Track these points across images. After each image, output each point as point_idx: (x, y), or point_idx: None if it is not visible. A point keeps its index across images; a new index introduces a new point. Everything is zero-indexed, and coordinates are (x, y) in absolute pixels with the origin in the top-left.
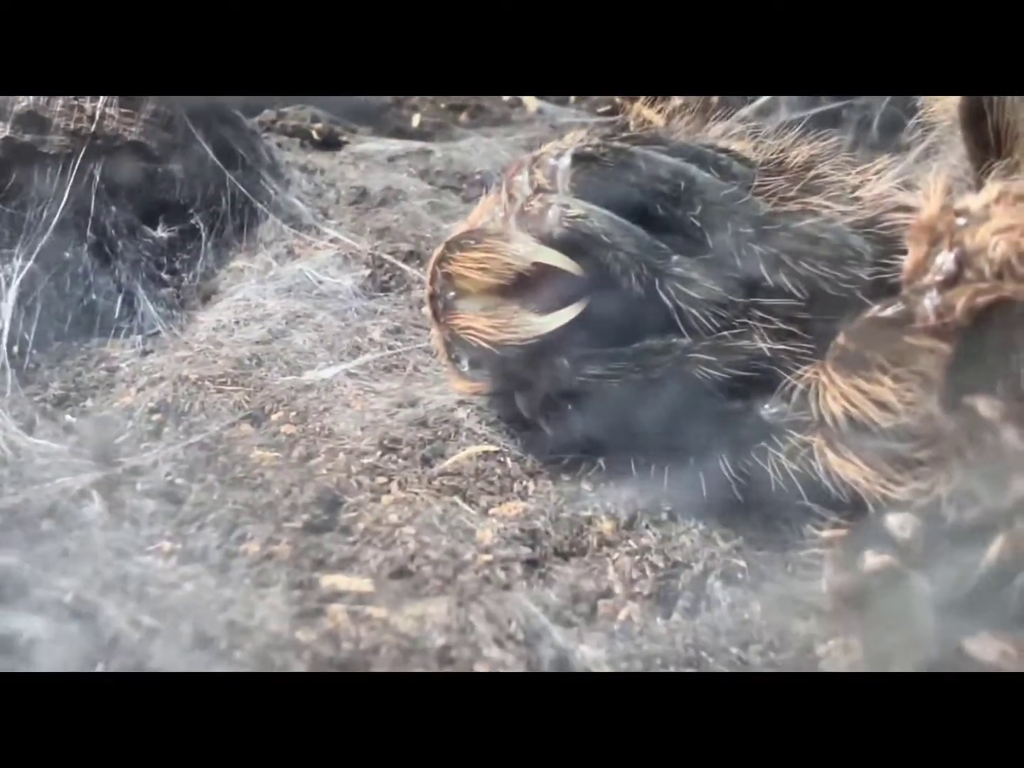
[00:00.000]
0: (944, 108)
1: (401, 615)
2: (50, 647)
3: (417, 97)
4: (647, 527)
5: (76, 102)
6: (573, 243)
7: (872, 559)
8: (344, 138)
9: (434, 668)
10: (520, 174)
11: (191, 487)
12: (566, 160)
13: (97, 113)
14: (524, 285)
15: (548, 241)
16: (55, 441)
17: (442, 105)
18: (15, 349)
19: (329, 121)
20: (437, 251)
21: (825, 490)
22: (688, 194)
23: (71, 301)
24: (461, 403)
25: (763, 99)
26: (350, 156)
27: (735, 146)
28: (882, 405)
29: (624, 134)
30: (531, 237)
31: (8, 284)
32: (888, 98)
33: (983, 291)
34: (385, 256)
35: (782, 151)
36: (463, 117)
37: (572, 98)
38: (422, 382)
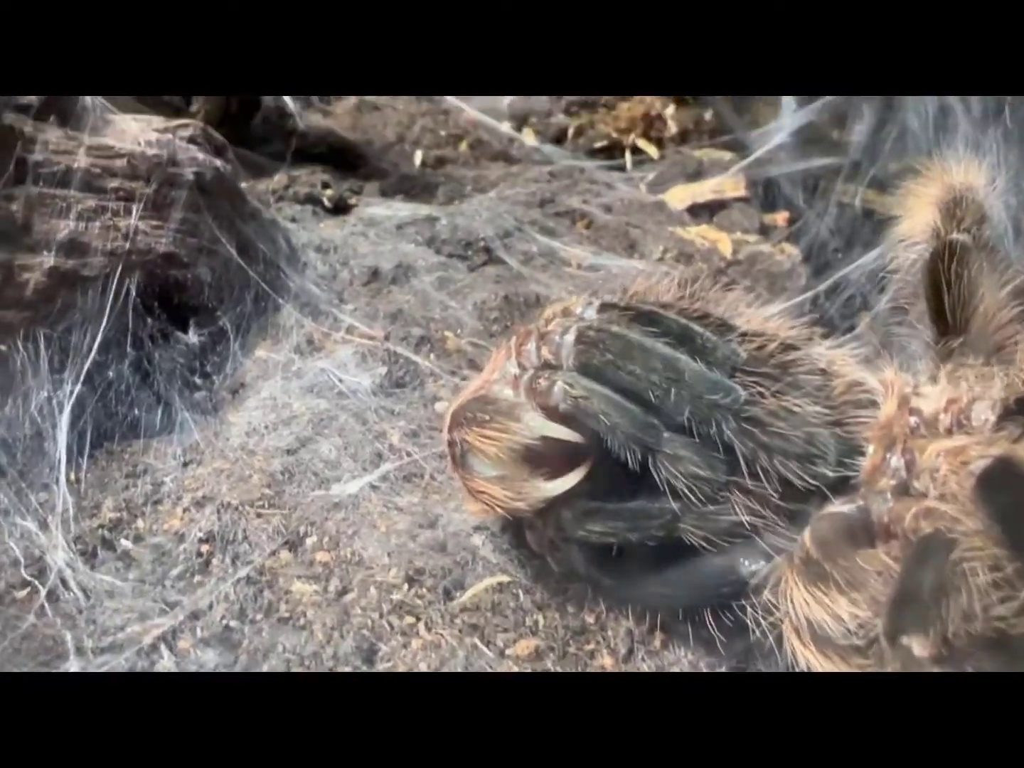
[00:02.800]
0: (910, 232)
1: None
2: None
3: (419, 127)
4: (643, 659)
5: (112, 222)
6: (576, 417)
7: None
8: (352, 201)
9: None
10: (528, 344)
11: (244, 630)
12: (570, 338)
13: (131, 230)
14: (533, 453)
15: (553, 414)
16: (117, 577)
17: (443, 133)
18: (72, 476)
19: (337, 182)
20: (456, 405)
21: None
22: (678, 389)
23: (117, 419)
24: (476, 529)
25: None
26: (360, 223)
27: (720, 311)
28: (837, 618)
29: (622, 310)
30: (538, 413)
31: (61, 410)
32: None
33: (927, 512)
34: (399, 351)
35: (763, 326)
36: (463, 147)
37: (569, 135)
38: (439, 494)
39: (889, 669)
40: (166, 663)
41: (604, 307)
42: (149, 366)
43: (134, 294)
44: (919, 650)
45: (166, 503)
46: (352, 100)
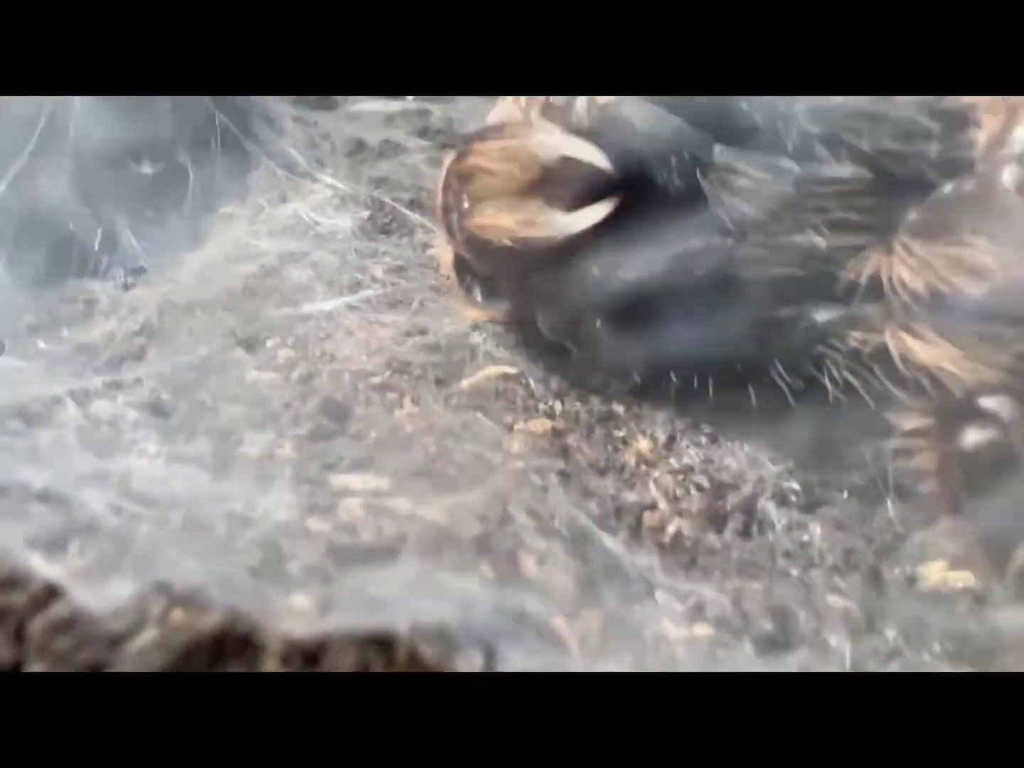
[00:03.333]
0: None
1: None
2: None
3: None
4: (687, 447)
5: None
6: (604, 136)
7: (975, 434)
8: (339, 97)
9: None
10: None
11: (179, 402)
12: None
13: None
14: (550, 181)
15: (577, 134)
16: (26, 361)
17: None
18: None
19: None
20: (450, 156)
21: (889, 392)
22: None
23: (47, 232)
24: (476, 328)
25: None
26: (346, 115)
27: None
28: (975, 270)
29: None
30: (558, 129)
31: None
32: None
33: None
34: (384, 199)
35: None
36: None
37: None
38: (430, 315)
39: None
40: (71, 413)
41: None
42: (88, 183)
43: (78, 111)
44: None
45: (98, 317)
46: None
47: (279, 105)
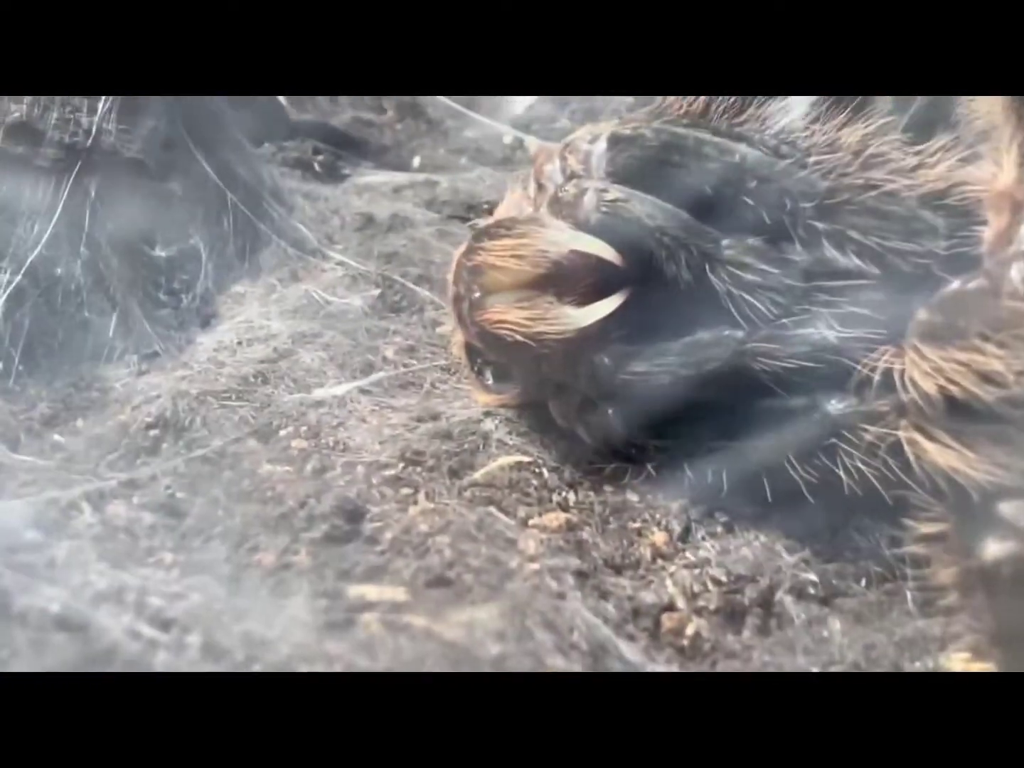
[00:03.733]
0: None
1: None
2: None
3: (416, 143)
4: (703, 539)
5: (72, 116)
6: (612, 230)
7: (995, 547)
8: (347, 171)
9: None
10: (550, 163)
11: (194, 501)
12: (601, 144)
13: (94, 128)
14: (560, 276)
15: (585, 228)
16: (41, 458)
17: (441, 150)
18: (0, 366)
19: (331, 154)
20: (461, 248)
21: (906, 488)
22: (739, 172)
23: (62, 318)
24: (488, 415)
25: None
26: (353, 187)
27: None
28: (986, 376)
29: (663, 119)
30: (567, 224)
31: None
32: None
33: None
34: (395, 277)
35: (831, 132)
36: (463, 160)
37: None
38: (442, 399)
39: None
40: (86, 519)
41: (642, 119)
42: (106, 271)
43: (93, 196)
44: None
45: (113, 407)
46: (347, 115)
47: (289, 181)
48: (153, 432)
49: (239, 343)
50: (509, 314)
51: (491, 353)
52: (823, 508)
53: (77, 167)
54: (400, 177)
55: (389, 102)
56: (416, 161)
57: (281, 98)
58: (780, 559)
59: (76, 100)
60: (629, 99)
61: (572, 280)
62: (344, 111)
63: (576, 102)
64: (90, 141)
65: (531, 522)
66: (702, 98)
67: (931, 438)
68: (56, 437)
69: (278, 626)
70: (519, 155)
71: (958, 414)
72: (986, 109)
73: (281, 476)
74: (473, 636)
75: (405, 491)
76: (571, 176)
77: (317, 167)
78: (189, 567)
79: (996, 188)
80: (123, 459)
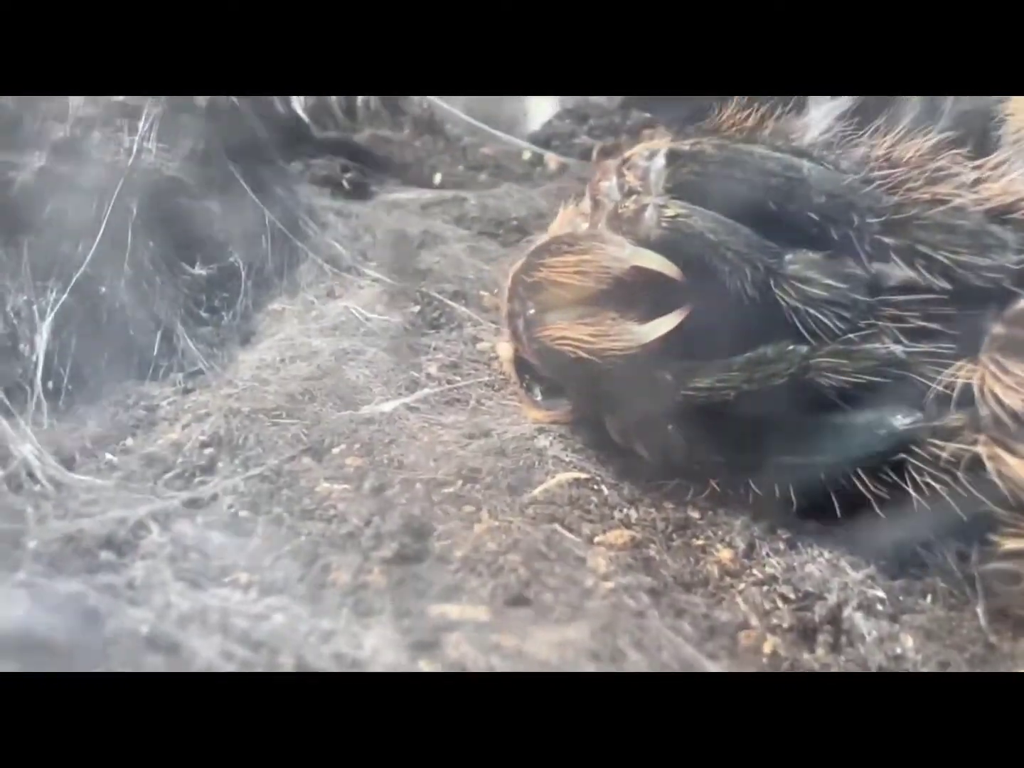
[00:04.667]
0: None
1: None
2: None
3: (436, 159)
4: (767, 555)
5: (114, 135)
6: (673, 245)
7: None
8: (374, 188)
9: None
10: (607, 179)
11: (257, 520)
12: (660, 160)
13: (135, 147)
14: (622, 292)
15: (646, 244)
16: (99, 477)
17: (460, 167)
18: (50, 384)
19: (359, 171)
20: (517, 264)
21: (976, 506)
22: (803, 187)
23: (108, 337)
24: (541, 431)
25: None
26: (382, 204)
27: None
28: None
29: (720, 134)
30: (627, 240)
31: (43, 316)
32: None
33: None
34: (433, 293)
35: (891, 147)
36: (483, 176)
37: (595, 154)
38: (489, 415)
39: None
40: (156, 538)
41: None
42: (148, 289)
43: (135, 214)
44: None
45: (161, 425)
46: (366, 132)
47: (320, 199)
48: (208, 451)
49: (282, 360)
50: (572, 330)
51: (549, 369)
52: (890, 524)
53: (120, 186)
54: (428, 194)
55: (406, 118)
56: (437, 178)
57: (304, 116)
58: (846, 575)
59: (118, 120)
60: (647, 114)
61: (634, 296)
62: (362, 128)
63: (595, 119)
64: (131, 160)
65: (596, 539)
66: (755, 112)
67: (1014, 452)
68: (108, 456)
69: (367, 647)
70: (538, 171)
71: None
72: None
73: (340, 494)
74: (565, 656)
75: (468, 508)
76: (630, 192)
77: (346, 184)
78: (265, 587)
79: None
80: (179, 478)
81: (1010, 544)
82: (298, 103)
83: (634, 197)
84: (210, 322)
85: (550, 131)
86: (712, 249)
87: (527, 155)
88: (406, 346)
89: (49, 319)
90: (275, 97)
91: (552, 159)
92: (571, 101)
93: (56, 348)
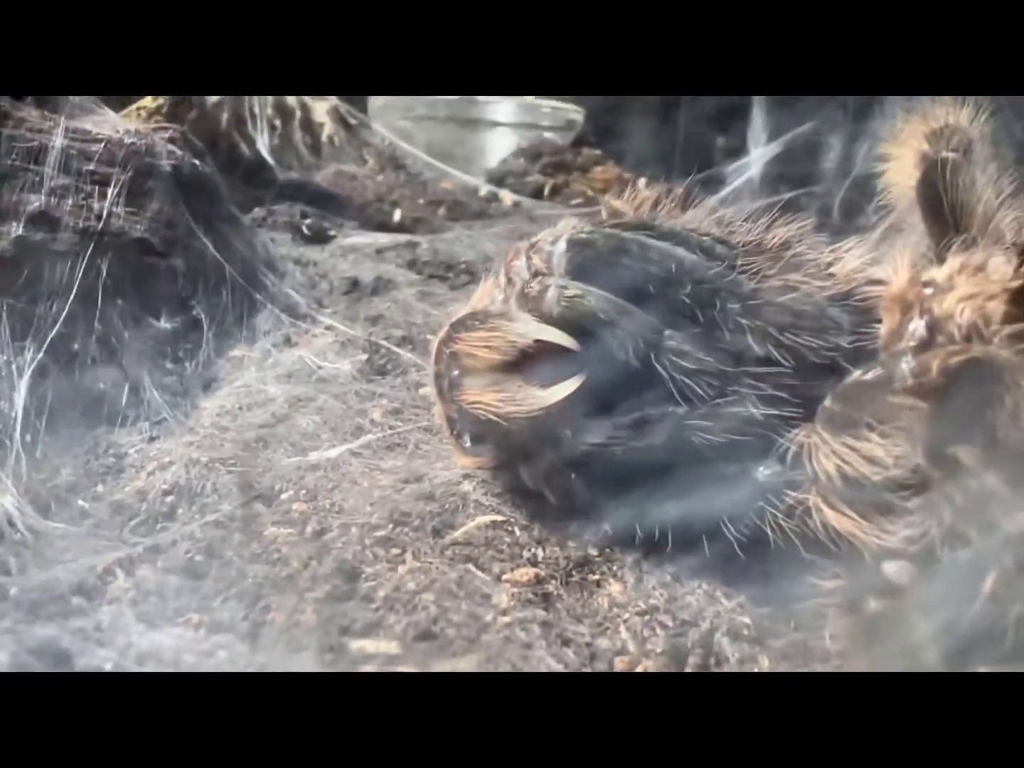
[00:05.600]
0: (902, 192)
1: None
2: None
3: (397, 193)
4: (654, 588)
5: (85, 202)
6: (571, 321)
7: (875, 604)
8: (332, 232)
9: None
10: (518, 260)
11: (211, 563)
12: (561, 245)
13: (104, 212)
14: (527, 361)
15: (548, 320)
16: (72, 524)
17: (420, 201)
18: (27, 437)
19: (318, 216)
20: (441, 332)
21: (822, 544)
22: (678, 274)
23: (80, 390)
24: (466, 477)
25: (727, 190)
26: (339, 249)
27: (715, 230)
28: (872, 460)
29: (614, 221)
30: (532, 317)
31: (20, 374)
32: (846, 184)
33: (955, 352)
34: (381, 342)
35: (759, 234)
36: (441, 211)
37: (546, 192)
38: (425, 459)
39: (935, 495)
40: (121, 584)
41: (596, 223)
42: (117, 344)
43: (104, 274)
44: (967, 458)
45: (128, 472)
46: (331, 168)
47: (280, 247)
48: (169, 498)
49: (240, 408)
50: (484, 396)
51: (468, 425)
52: (757, 559)
53: (90, 249)
54: (383, 239)
55: (370, 152)
56: (397, 214)
57: (268, 157)
58: (720, 604)
59: (88, 187)
60: (597, 151)
61: (537, 365)
62: (328, 165)
63: (548, 156)
64: (101, 224)
65: (504, 577)
66: (653, 194)
67: (831, 506)
68: (80, 503)
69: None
70: (494, 207)
71: (852, 487)
72: (901, 206)
73: (285, 538)
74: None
75: (395, 551)
76: (536, 273)
77: (305, 230)
78: (213, 626)
79: (891, 291)
80: (144, 524)
81: (827, 584)
82: (263, 144)
83: (539, 278)
84: (174, 372)
85: (505, 169)
86: (603, 326)
87: (483, 191)
88: (353, 393)
89: (27, 377)
90: (241, 140)
91: (506, 196)
92: (526, 140)
93: (33, 404)
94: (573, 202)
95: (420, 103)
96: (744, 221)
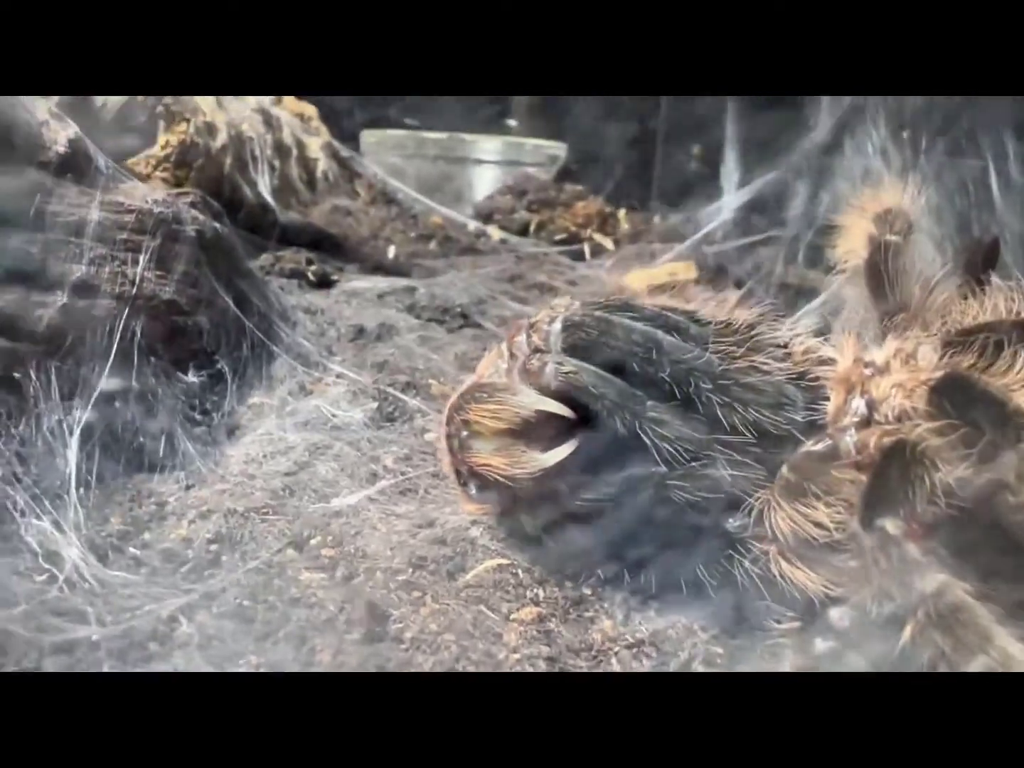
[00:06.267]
0: (851, 266)
1: None
2: None
3: (390, 228)
4: (640, 623)
5: (120, 269)
6: (567, 393)
7: (821, 645)
8: (335, 277)
9: None
10: (520, 336)
11: (257, 608)
12: (557, 325)
13: (137, 277)
14: (528, 428)
15: (547, 392)
16: (130, 572)
17: (412, 235)
18: (81, 491)
19: (320, 262)
20: (452, 399)
21: (779, 588)
22: (658, 355)
23: (123, 445)
24: (474, 522)
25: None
26: (343, 295)
27: (688, 306)
28: (818, 525)
29: (602, 302)
30: (532, 389)
31: (71, 433)
32: (812, 230)
33: (887, 432)
34: (388, 390)
35: (728, 313)
36: (432, 245)
37: (532, 228)
38: (434, 504)
39: (867, 558)
40: (185, 629)
41: (584, 304)
42: (153, 400)
43: (139, 335)
44: (892, 528)
45: (171, 519)
46: (327, 204)
47: (289, 297)
48: (214, 547)
49: (264, 456)
50: (492, 460)
51: (475, 480)
52: (729, 598)
53: (126, 312)
54: (382, 283)
55: (361, 184)
56: (391, 251)
57: (269, 198)
58: (697, 636)
59: (122, 255)
60: (580, 187)
61: (538, 431)
62: (324, 201)
63: (533, 193)
64: (135, 289)
65: (511, 616)
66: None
67: (787, 560)
68: (132, 550)
69: None
70: (483, 241)
71: (803, 546)
72: (849, 279)
73: (319, 583)
74: None
75: (416, 594)
76: (536, 350)
77: (311, 276)
78: (270, 667)
79: (837, 372)
80: (194, 571)
81: (784, 625)
82: (264, 185)
83: (539, 355)
84: (203, 423)
85: (493, 205)
86: (594, 398)
87: (472, 226)
88: (365, 440)
89: (76, 434)
90: (244, 184)
91: (495, 232)
92: (511, 177)
93: (83, 459)
94: (557, 237)
95: (410, 140)
96: (711, 299)
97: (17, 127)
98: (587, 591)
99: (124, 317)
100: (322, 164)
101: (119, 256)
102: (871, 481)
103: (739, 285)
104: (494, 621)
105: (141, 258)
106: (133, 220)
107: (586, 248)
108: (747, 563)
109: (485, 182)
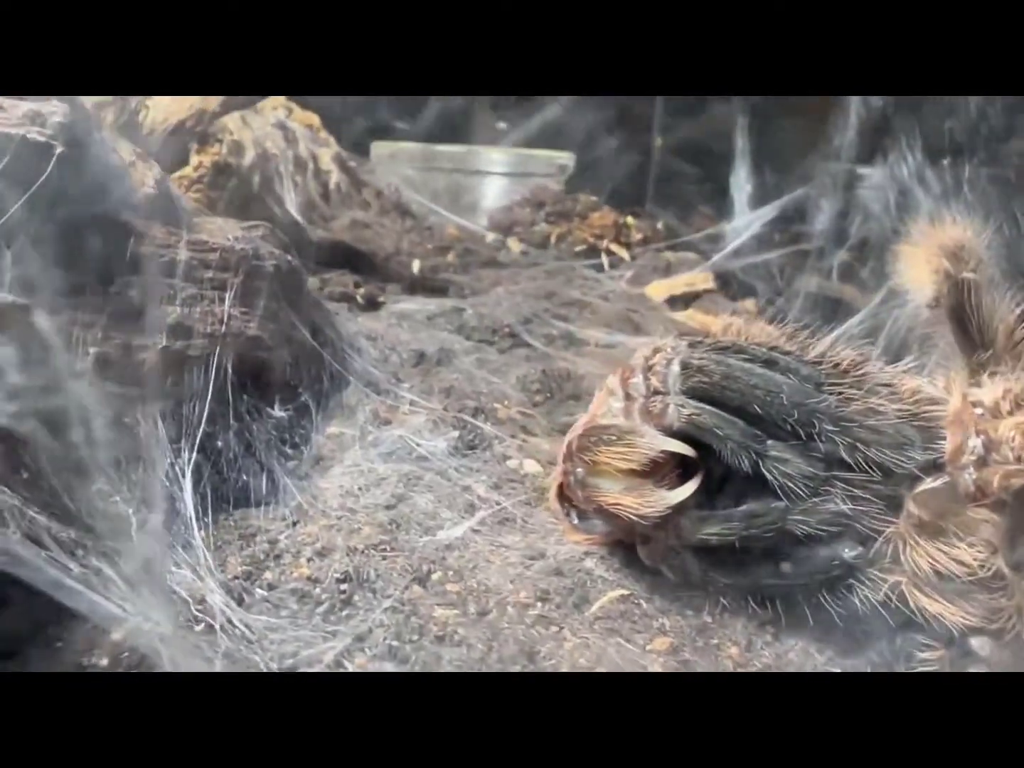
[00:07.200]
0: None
1: None
2: None
3: (407, 241)
4: (761, 648)
5: (209, 308)
6: (690, 434)
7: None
8: (381, 299)
9: None
10: (635, 377)
11: (406, 648)
12: (676, 367)
13: (225, 315)
14: (655, 468)
15: (669, 432)
16: (272, 616)
17: (429, 247)
18: (202, 533)
19: (367, 283)
20: (573, 439)
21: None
22: (781, 399)
23: (229, 484)
24: (587, 553)
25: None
26: (394, 317)
27: (788, 346)
28: (961, 563)
29: (712, 343)
30: (656, 431)
31: (183, 475)
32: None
33: (1011, 473)
34: (465, 417)
35: (831, 353)
36: (450, 257)
37: (552, 240)
38: (535, 533)
39: (1011, 588)
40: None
41: (692, 344)
42: (250, 436)
43: (231, 372)
44: None
45: (286, 557)
46: (345, 218)
47: (350, 325)
48: (344, 586)
49: (359, 489)
50: (623, 500)
51: (597, 516)
52: (845, 624)
53: (217, 351)
54: (430, 305)
55: (369, 192)
56: (416, 265)
57: (298, 216)
58: (813, 658)
59: (210, 293)
60: (593, 197)
61: (663, 470)
62: (342, 214)
63: (550, 205)
64: (224, 327)
65: (648, 647)
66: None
67: (923, 592)
68: (259, 591)
69: None
70: (503, 253)
71: (943, 581)
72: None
73: (455, 620)
74: None
75: (553, 629)
76: (654, 392)
77: (359, 299)
78: None
79: (949, 414)
80: (332, 612)
81: (924, 654)
82: (291, 202)
83: (660, 397)
84: (295, 456)
85: (512, 218)
86: (718, 439)
87: (490, 238)
88: (453, 469)
89: (188, 476)
90: (273, 204)
91: (514, 243)
92: (528, 189)
93: (198, 501)
94: (576, 249)
95: (423, 153)
96: (810, 338)
97: (111, 170)
98: (708, 619)
99: (216, 355)
100: (334, 176)
101: (207, 295)
102: (1009, 523)
103: (752, 294)
104: (634, 653)
105: (227, 296)
106: (217, 258)
107: (604, 259)
108: (867, 592)
109: (494, 193)
